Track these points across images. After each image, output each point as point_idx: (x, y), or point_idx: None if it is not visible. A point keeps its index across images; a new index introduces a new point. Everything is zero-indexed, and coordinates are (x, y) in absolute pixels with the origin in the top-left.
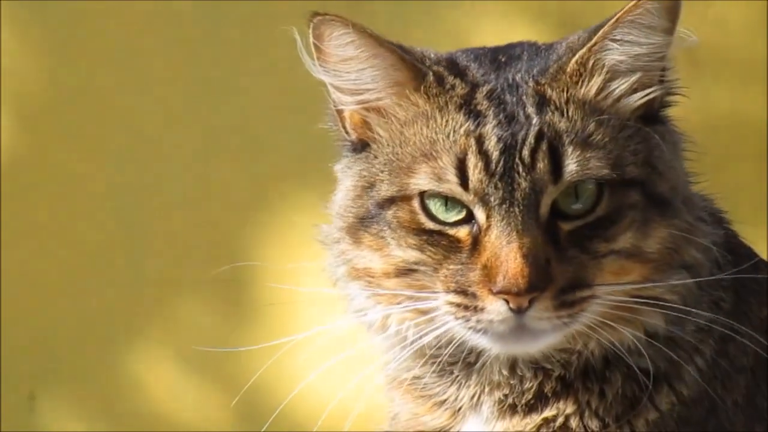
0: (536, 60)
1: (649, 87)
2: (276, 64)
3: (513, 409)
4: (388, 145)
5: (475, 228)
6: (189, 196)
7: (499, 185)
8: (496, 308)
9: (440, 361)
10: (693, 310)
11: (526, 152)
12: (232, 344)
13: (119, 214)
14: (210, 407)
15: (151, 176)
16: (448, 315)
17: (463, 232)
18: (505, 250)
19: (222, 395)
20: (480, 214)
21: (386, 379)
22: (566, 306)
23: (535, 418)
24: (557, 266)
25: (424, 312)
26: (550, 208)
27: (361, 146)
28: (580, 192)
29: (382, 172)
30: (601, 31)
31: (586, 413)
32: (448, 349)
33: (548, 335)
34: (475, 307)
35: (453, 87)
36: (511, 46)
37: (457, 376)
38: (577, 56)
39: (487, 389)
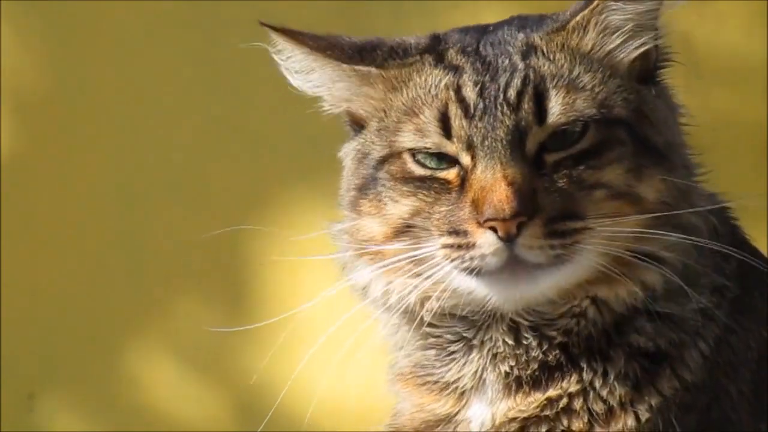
0: (527, 23)
1: (642, 39)
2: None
3: (518, 383)
4: (376, 115)
5: (462, 171)
6: (189, 195)
7: (480, 125)
8: (486, 240)
9: (440, 342)
10: (692, 286)
11: (511, 93)
12: (233, 344)
13: (119, 214)
14: (210, 407)
15: (151, 175)
16: (445, 260)
17: (452, 174)
18: (490, 181)
19: (222, 395)
20: (465, 158)
21: (390, 375)
22: (557, 235)
23: (539, 397)
24: (545, 196)
25: (422, 266)
26: (536, 146)
27: (358, 125)
28: (567, 131)
29: (374, 141)
30: None
31: (591, 395)
32: (448, 323)
33: (544, 272)
34: (467, 244)
35: (417, 61)
36: (504, 20)
37: (458, 354)
38: (578, 17)
39: (490, 365)
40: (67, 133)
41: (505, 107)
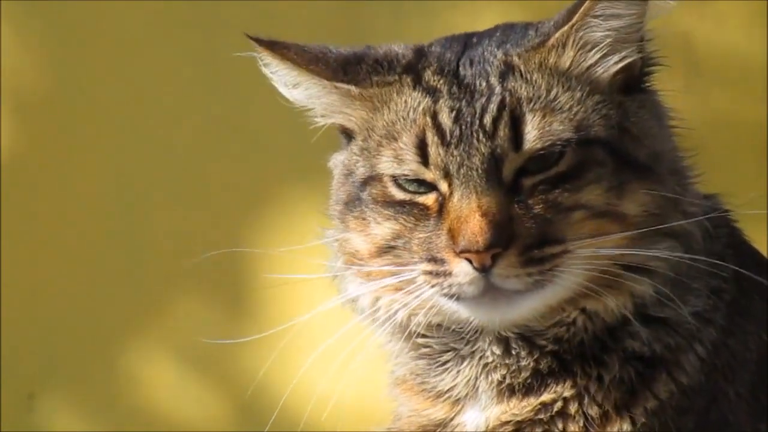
0: (510, 36)
1: (624, 51)
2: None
3: (511, 390)
4: (361, 132)
5: (440, 197)
6: (189, 195)
7: (455, 153)
8: (462, 269)
9: (431, 352)
10: (687, 290)
11: (487, 120)
12: (233, 345)
13: (119, 214)
14: (210, 406)
15: (151, 175)
16: (425, 284)
17: (431, 199)
18: (465, 212)
19: (222, 394)
20: (443, 185)
21: (390, 380)
22: (534, 263)
23: (533, 402)
24: (521, 223)
25: (406, 286)
26: (513, 172)
27: (348, 135)
28: (545, 154)
29: (358, 159)
30: (582, 8)
31: (586, 399)
32: (437, 334)
33: (523, 297)
34: (444, 272)
35: (396, 81)
36: (489, 29)
37: (450, 364)
38: (558, 34)
39: (482, 373)
40: (67, 133)
41: (480, 134)
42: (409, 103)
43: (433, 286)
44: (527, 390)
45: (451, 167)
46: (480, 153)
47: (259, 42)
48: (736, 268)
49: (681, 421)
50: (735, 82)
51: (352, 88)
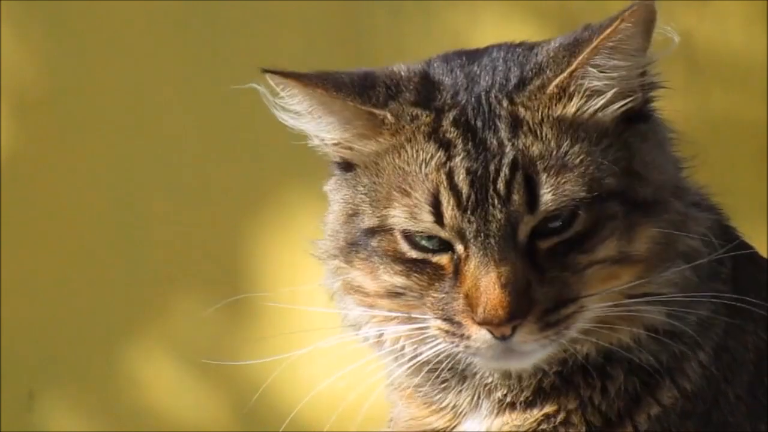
0: (512, 69)
1: (628, 97)
2: (276, 63)
3: (513, 406)
4: (366, 173)
5: (456, 256)
6: (189, 195)
7: (472, 219)
8: (481, 336)
9: (437, 375)
10: (694, 302)
11: (500, 184)
12: (232, 344)
13: (119, 214)
14: (210, 407)
15: (151, 175)
16: (439, 337)
17: (445, 259)
18: (484, 281)
19: (222, 395)
20: (458, 246)
21: (388, 383)
22: (551, 326)
23: (536, 413)
24: (539, 288)
25: (417, 332)
26: (528, 233)
27: (347, 166)
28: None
29: (363, 201)
30: (580, 57)
31: (589, 409)
32: (445, 363)
33: (538, 353)
34: (462, 335)
35: (417, 117)
36: (488, 52)
37: (451, 382)
38: (557, 80)
39: (484, 392)
40: (67, 133)
41: (496, 200)
42: (422, 155)
43: (446, 341)
44: (529, 405)
45: (467, 233)
46: (496, 219)
47: (282, 72)
48: (734, 266)
49: (683, 425)
50: (735, 82)
51: (377, 113)
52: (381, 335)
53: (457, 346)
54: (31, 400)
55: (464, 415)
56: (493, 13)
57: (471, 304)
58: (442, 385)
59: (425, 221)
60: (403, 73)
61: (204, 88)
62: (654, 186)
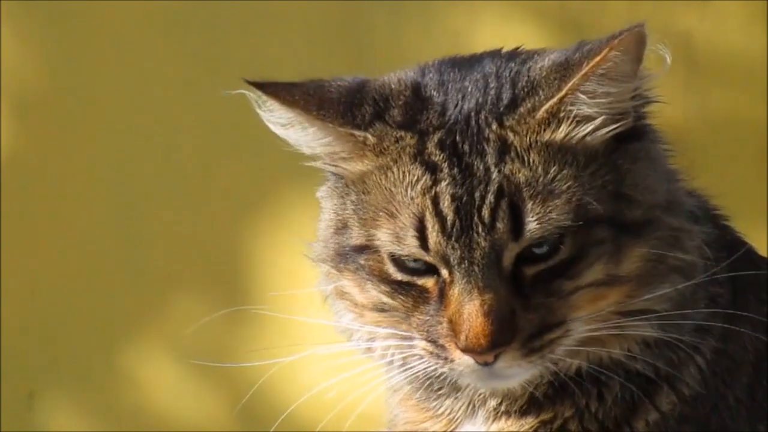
0: (504, 86)
1: (619, 121)
2: (277, 63)
3: (508, 414)
4: (354, 189)
5: (440, 281)
6: (189, 194)
7: (456, 246)
8: (464, 361)
9: (430, 384)
10: (690, 311)
11: (485, 212)
12: (232, 344)
13: (119, 214)
14: (210, 406)
15: (151, 175)
16: (425, 356)
17: (430, 282)
18: (467, 308)
19: (222, 394)
20: (443, 270)
21: (387, 385)
22: (535, 351)
23: (532, 421)
24: (523, 315)
25: (406, 347)
26: (512, 260)
27: (339, 175)
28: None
29: (352, 217)
30: (570, 83)
31: (585, 416)
32: (435, 378)
33: (522, 375)
34: (446, 358)
35: (401, 139)
36: (482, 64)
37: (446, 391)
38: (547, 105)
39: (478, 401)
40: (67, 133)
41: (480, 228)
42: (408, 177)
43: (431, 361)
44: (524, 413)
45: (451, 259)
46: (480, 247)
47: (262, 86)
48: (730, 268)
49: (682, 430)
50: (735, 82)
51: (362, 136)
52: (372, 341)
53: (442, 367)
54: (31, 400)
55: (460, 421)
56: (493, 13)
57: (454, 330)
58: (437, 392)
59: (410, 246)
60: (393, 86)
61: (204, 89)
62: (644, 207)
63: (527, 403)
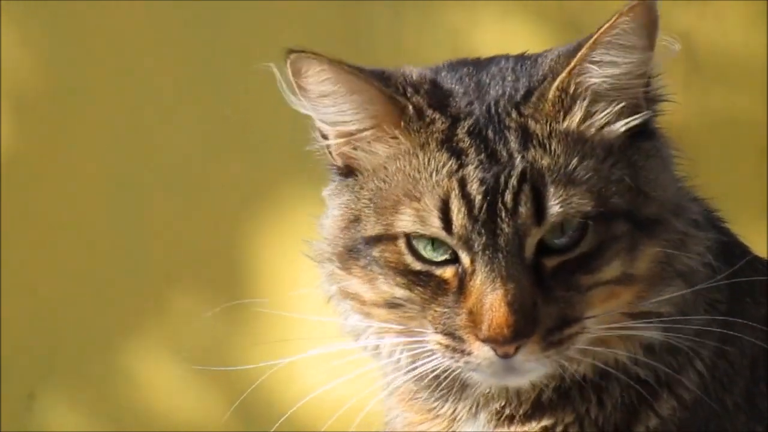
0: (520, 80)
1: (635, 111)
2: (277, 63)
3: (510, 418)
4: (372, 178)
5: (460, 270)
6: (188, 194)
7: (482, 231)
8: (482, 354)
9: (436, 385)
10: (690, 317)
11: (508, 196)
12: (231, 344)
13: (119, 214)
14: (210, 406)
15: (151, 175)
16: (438, 352)
17: (449, 273)
18: (490, 298)
19: (222, 394)
20: (464, 258)
21: (385, 387)
22: (554, 345)
23: (533, 426)
24: (543, 308)
25: (416, 344)
26: (534, 249)
27: (348, 171)
28: (565, 227)
29: (367, 207)
30: (579, 54)
31: (586, 422)
32: (442, 377)
33: (537, 371)
34: (463, 350)
35: (433, 121)
36: (496, 61)
37: (452, 394)
38: (557, 81)
39: (482, 402)
40: (67, 133)
41: (503, 213)
42: (433, 163)
43: (445, 357)
44: (527, 418)
45: (475, 244)
46: (504, 233)
47: (304, 51)
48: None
49: None
50: (735, 82)
51: (408, 105)
52: (380, 340)
53: (456, 361)
54: (31, 400)
55: (461, 424)
56: (493, 13)
57: (475, 320)
58: (441, 393)
59: (434, 226)
60: (414, 76)
61: (204, 88)
62: (657, 204)
63: (531, 408)
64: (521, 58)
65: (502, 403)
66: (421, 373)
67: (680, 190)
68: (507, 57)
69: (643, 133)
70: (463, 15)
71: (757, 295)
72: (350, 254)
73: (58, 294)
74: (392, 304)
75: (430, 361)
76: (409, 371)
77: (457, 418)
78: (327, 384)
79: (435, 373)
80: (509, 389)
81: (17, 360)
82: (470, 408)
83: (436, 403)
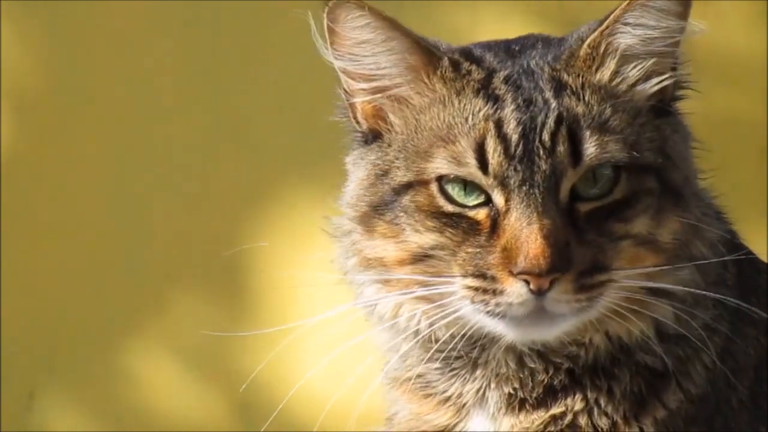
0: (550, 48)
1: (662, 74)
2: (277, 62)
3: (522, 403)
4: (402, 132)
5: (494, 211)
6: (189, 193)
7: (519, 168)
8: (516, 290)
9: (444, 357)
10: (699, 309)
11: (546, 136)
12: (232, 344)
13: (119, 214)
14: (210, 406)
15: (151, 174)
16: (465, 299)
17: (482, 214)
18: (526, 232)
19: (222, 394)
20: (499, 198)
21: (386, 380)
22: (585, 289)
23: (543, 415)
24: (577, 249)
25: (438, 298)
26: (569, 193)
27: (373, 137)
28: (598, 176)
29: (397, 158)
30: (612, 15)
31: (595, 411)
32: (455, 342)
33: (566, 320)
34: (494, 290)
35: (469, 72)
36: (524, 37)
37: (461, 370)
38: (589, 40)
39: (493, 383)
40: (67, 133)
41: (541, 151)
42: (469, 108)
43: (475, 303)
44: (538, 404)
45: (511, 182)
46: (541, 170)
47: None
48: (738, 272)
49: (688, 430)
50: (735, 82)
51: (444, 58)
52: (400, 306)
53: (486, 304)
54: (31, 400)
55: (468, 409)
56: (493, 13)
57: (510, 255)
58: (450, 373)
59: (470, 166)
60: (443, 45)
61: (204, 88)
62: (683, 175)
63: (544, 392)
64: (548, 37)
65: (516, 385)
66: (439, 338)
67: (697, 180)
68: (534, 35)
69: (668, 110)
70: (463, 15)
71: (761, 295)
72: (375, 211)
73: (58, 294)
74: (419, 257)
75: (454, 312)
76: (425, 340)
77: (464, 404)
78: (331, 382)
79: (452, 332)
80: (525, 365)
81: (17, 360)
82: (479, 390)
83: (442, 385)
